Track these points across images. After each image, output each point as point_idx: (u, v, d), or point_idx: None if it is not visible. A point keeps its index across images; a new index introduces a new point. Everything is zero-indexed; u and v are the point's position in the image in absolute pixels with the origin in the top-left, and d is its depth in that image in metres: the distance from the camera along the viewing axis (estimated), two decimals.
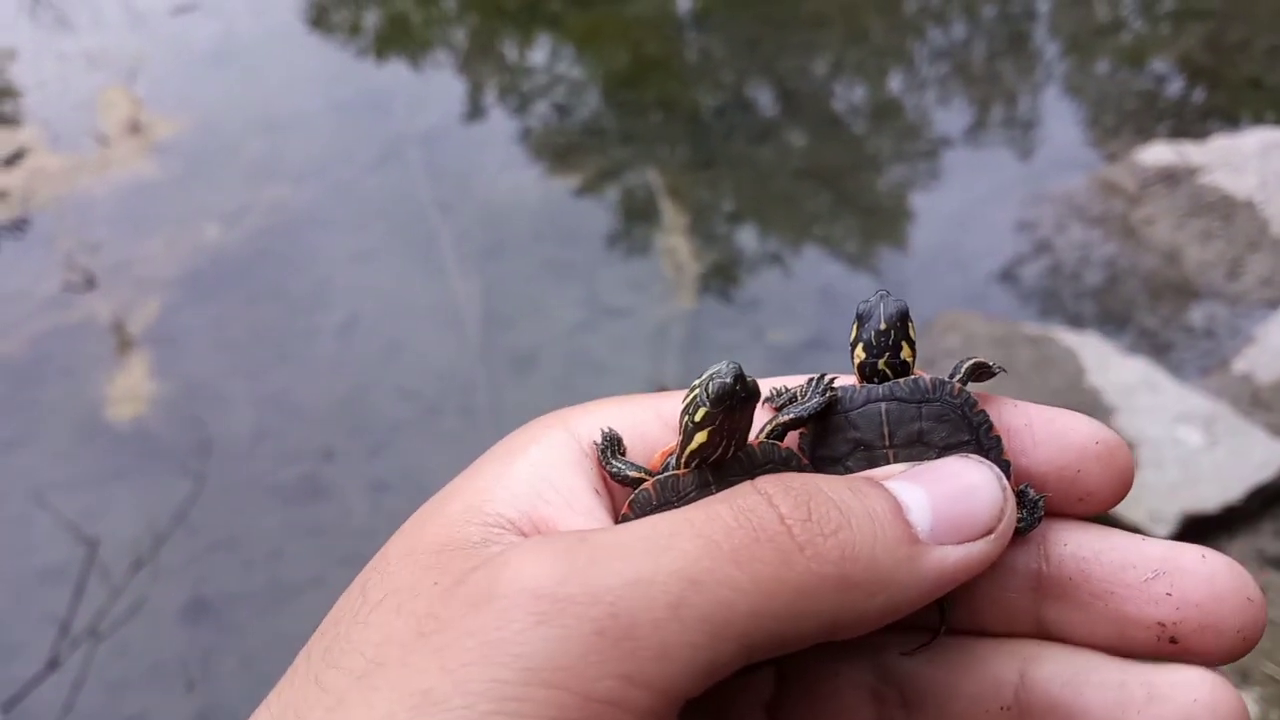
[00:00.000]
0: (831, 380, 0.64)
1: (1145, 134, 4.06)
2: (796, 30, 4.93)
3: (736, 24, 5.11)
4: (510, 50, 5.24)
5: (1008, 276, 3.64)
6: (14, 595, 3.05)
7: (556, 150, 4.48)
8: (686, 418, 0.59)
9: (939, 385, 0.62)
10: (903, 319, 0.65)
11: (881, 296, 0.66)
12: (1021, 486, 0.60)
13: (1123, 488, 0.60)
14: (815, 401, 0.63)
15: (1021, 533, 0.59)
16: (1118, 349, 2.94)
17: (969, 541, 0.55)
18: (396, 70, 5.11)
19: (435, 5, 5.67)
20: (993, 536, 0.56)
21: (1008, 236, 3.79)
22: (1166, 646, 0.56)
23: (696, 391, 0.59)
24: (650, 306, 3.63)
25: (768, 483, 0.54)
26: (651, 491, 0.60)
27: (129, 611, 2.90)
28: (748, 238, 4.02)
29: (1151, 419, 2.64)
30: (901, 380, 0.63)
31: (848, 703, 0.62)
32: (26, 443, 3.45)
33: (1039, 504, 0.59)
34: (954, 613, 0.61)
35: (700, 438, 0.59)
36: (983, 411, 0.61)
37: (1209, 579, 0.56)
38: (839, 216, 4.11)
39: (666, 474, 0.61)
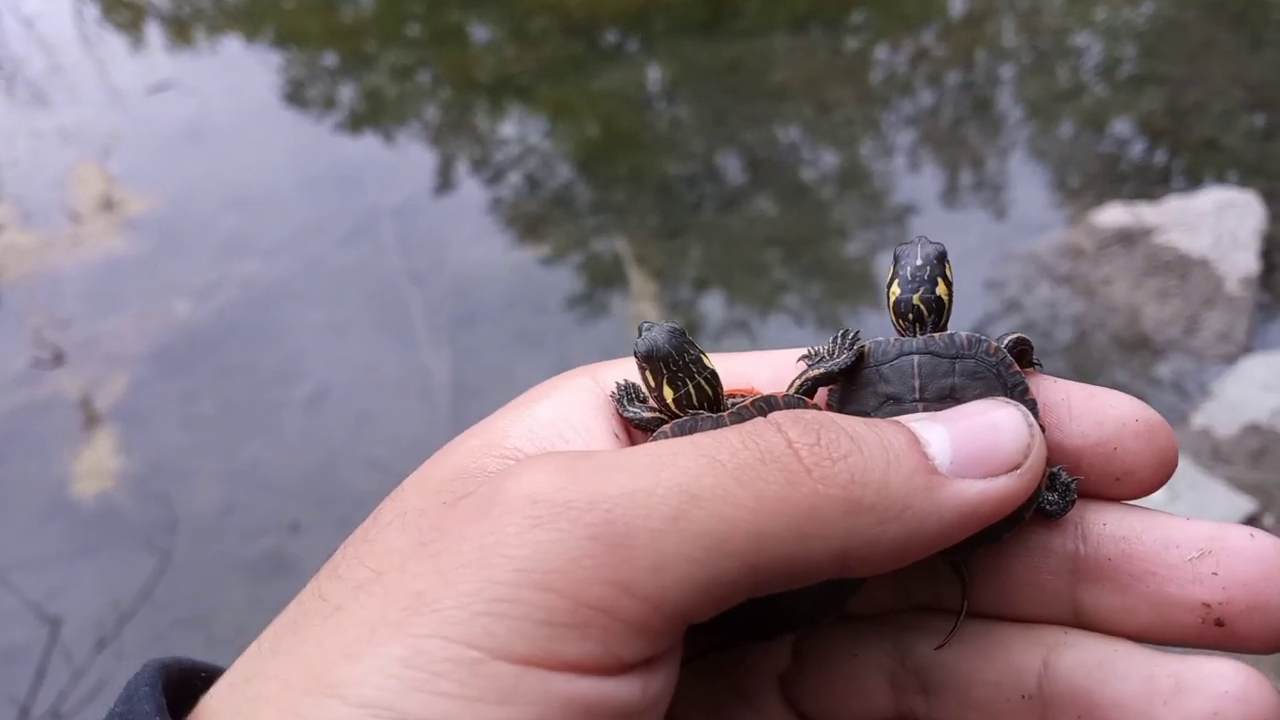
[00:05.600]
0: (858, 334, 0.62)
1: (1109, 195, 4.13)
2: (762, 102, 5.02)
3: (704, 96, 5.20)
4: (483, 123, 5.31)
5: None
6: None
7: (527, 221, 4.52)
8: (647, 389, 0.61)
9: (975, 342, 0.60)
10: (940, 258, 0.64)
11: (920, 239, 0.65)
12: (1054, 469, 0.57)
13: (1163, 469, 0.57)
14: (845, 356, 0.61)
15: (1053, 516, 0.57)
16: None
17: (993, 476, 0.53)
18: (370, 145, 5.17)
19: (409, 80, 5.76)
20: (1019, 472, 0.53)
21: (978, 296, 3.83)
22: (1211, 630, 0.53)
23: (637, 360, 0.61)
24: None
25: (779, 414, 0.53)
26: (669, 432, 0.60)
27: (91, 693, 2.84)
28: (714, 304, 4.05)
29: None
30: (937, 335, 0.61)
31: (865, 684, 0.61)
32: None
33: (1071, 486, 0.57)
34: (985, 595, 0.59)
35: (669, 391, 0.60)
36: (1019, 373, 0.59)
37: (1257, 558, 0.53)
38: (806, 283, 4.15)
39: (686, 416, 0.61)
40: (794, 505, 0.48)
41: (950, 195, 4.53)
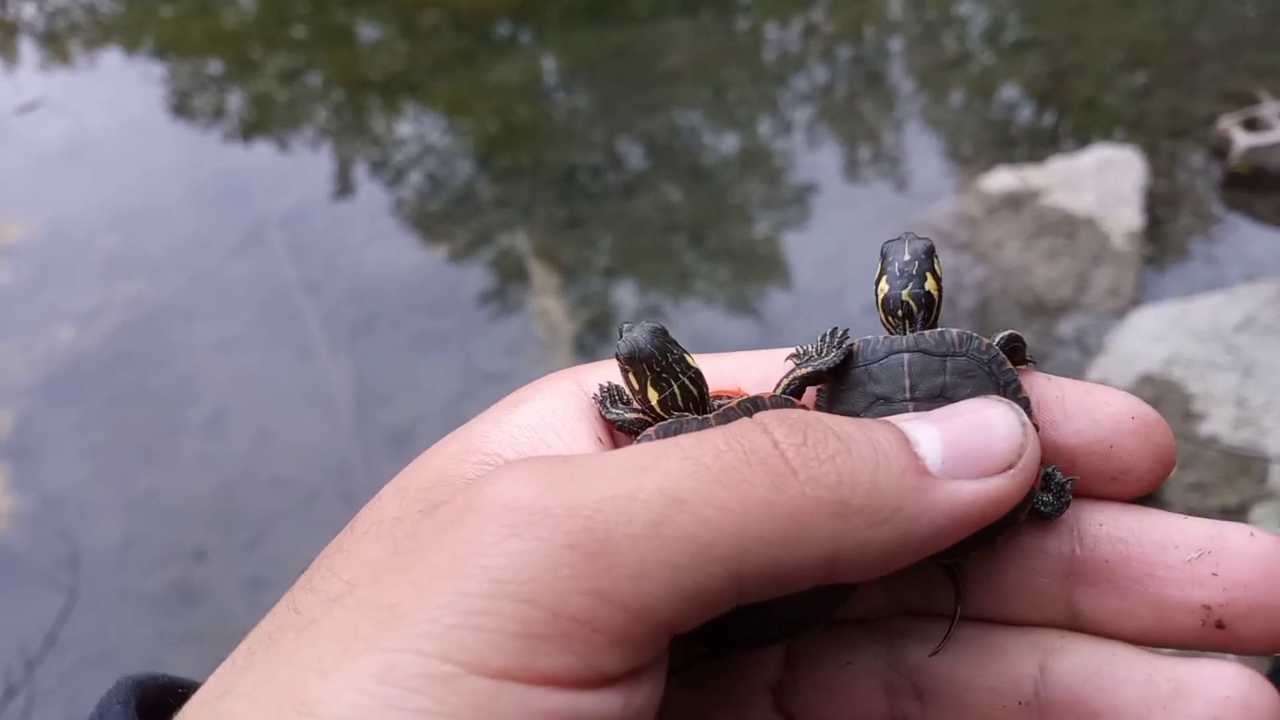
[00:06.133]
0: (846, 332, 0.61)
1: (1001, 160, 4.22)
2: (658, 87, 5.02)
3: (599, 84, 5.18)
4: (377, 123, 5.22)
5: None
6: None
7: (428, 220, 4.46)
8: (631, 392, 0.59)
9: (966, 339, 0.59)
10: (928, 253, 0.63)
11: (907, 235, 0.64)
12: (1049, 468, 0.56)
13: (1160, 466, 0.56)
14: (833, 355, 0.60)
15: (1048, 517, 0.56)
16: None
17: (985, 477, 0.51)
18: (260, 153, 5.05)
19: (298, 83, 5.63)
20: (1013, 472, 0.51)
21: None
22: (1212, 632, 0.52)
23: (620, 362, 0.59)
24: (528, 369, 3.61)
25: (765, 414, 0.51)
26: (653, 434, 0.58)
27: None
28: (624, 293, 4.03)
29: None
30: (927, 332, 0.60)
31: (859, 692, 0.59)
32: None
33: (1067, 487, 0.56)
34: (980, 599, 0.58)
35: (653, 394, 0.59)
36: (1011, 370, 0.58)
37: (1258, 558, 0.52)
38: (714, 267, 4.15)
39: (672, 418, 0.59)
40: (780, 508, 0.46)
41: (849, 170, 4.58)
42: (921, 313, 0.62)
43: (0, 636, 3.01)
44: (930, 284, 0.62)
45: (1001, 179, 3.80)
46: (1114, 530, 0.55)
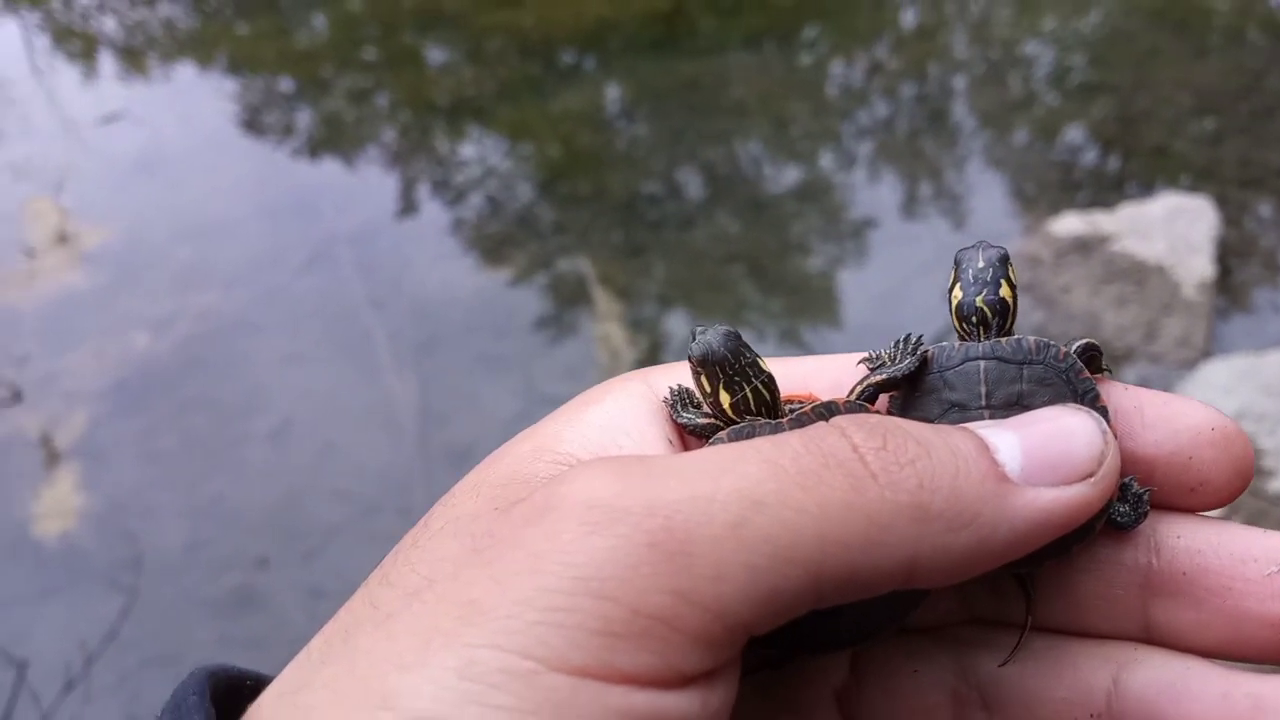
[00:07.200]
0: (920, 338, 0.60)
1: (1063, 203, 4.19)
2: (720, 118, 5.05)
3: (662, 114, 5.22)
4: (442, 145, 5.30)
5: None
6: None
7: (489, 242, 4.51)
8: (702, 395, 0.59)
9: (1043, 347, 0.58)
10: (1003, 260, 0.62)
11: (981, 243, 0.64)
12: (1126, 479, 0.55)
13: (1239, 479, 0.55)
14: (908, 362, 0.59)
15: (1124, 528, 0.56)
16: None
17: (1066, 484, 0.51)
18: (328, 170, 5.14)
19: (367, 103, 5.74)
20: (1093, 480, 0.51)
21: (937, 307, 3.86)
22: None
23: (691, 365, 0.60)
24: None
25: (843, 418, 0.51)
26: (726, 438, 0.58)
27: None
28: (678, 322, 4.05)
29: None
30: (1004, 340, 0.59)
31: (926, 701, 0.59)
32: None
33: (1144, 498, 0.55)
34: (1052, 610, 0.57)
35: (725, 397, 0.59)
36: (1089, 379, 0.58)
37: None
38: (768, 299, 4.17)
39: (744, 422, 0.59)
40: (860, 511, 0.46)
41: (909, 206, 4.57)
42: (996, 320, 0.61)
43: (63, 631, 3.07)
44: (1005, 291, 0.61)
45: (1070, 223, 3.78)
46: (1191, 542, 0.55)
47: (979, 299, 0.61)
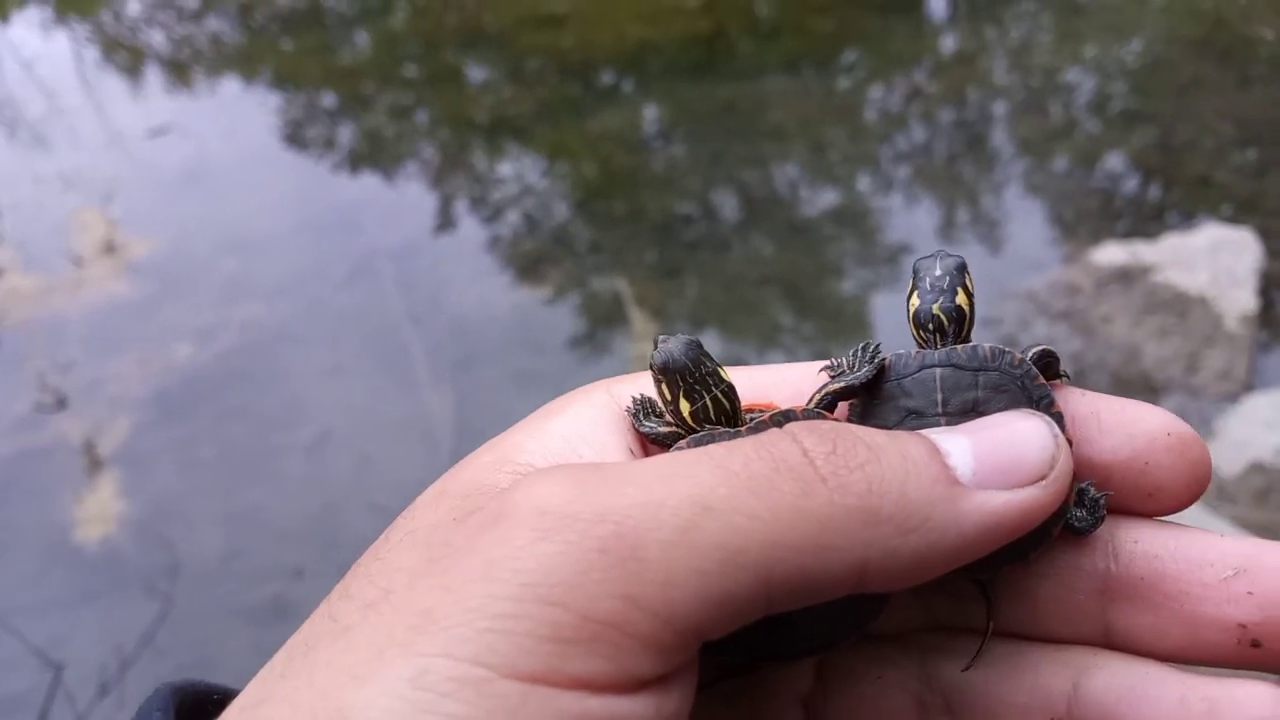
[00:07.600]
0: (878, 347, 0.61)
1: (1103, 232, 4.17)
2: (758, 141, 5.07)
3: (700, 136, 5.24)
4: (480, 163, 5.35)
5: None
6: None
7: (525, 260, 4.54)
8: (663, 403, 0.60)
9: (998, 354, 0.59)
10: (960, 269, 0.63)
11: (939, 252, 0.64)
12: (1083, 484, 0.56)
13: (1196, 484, 0.56)
14: (865, 370, 0.60)
15: (1082, 533, 0.56)
16: None
17: (1017, 488, 0.51)
18: (368, 186, 5.20)
19: (407, 120, 5.80)
20: (1044, 483, 0.51)
21: (975, 334, 3.84)
22: (1248, 651, 0.52)
23: (652, 374, 0.60)
24: None
25: (795, 424, 0.52)
26: (685, 446, 0.58)
27: None
28: (711, 344, 4.05)
29: None
30: (960, 346, 0.60)
31: (891, 707, 0.59)
32: None
33: (1100, 503, 0.56)
34: (1013, 615, 0.58)
35: (685, 405, 0.59)
36: (1045, 385, 0.58)
37: None
38: (802, 322, 4.17)
39: (704, 431, 0.59)
40: (809, 515, 0.47)
41: (946, 232, 4.56)
42: (953, 327, 0.61)
43: (99, 636, 3.11)
44: (962, 299, 0.62)
45: (1112, 253, 3.76)
46: (1149, 547, 0.55)
47: (935, 306, 0.61)
